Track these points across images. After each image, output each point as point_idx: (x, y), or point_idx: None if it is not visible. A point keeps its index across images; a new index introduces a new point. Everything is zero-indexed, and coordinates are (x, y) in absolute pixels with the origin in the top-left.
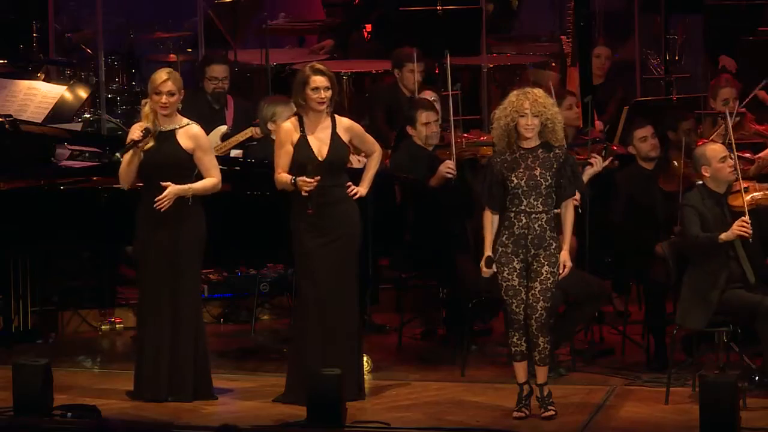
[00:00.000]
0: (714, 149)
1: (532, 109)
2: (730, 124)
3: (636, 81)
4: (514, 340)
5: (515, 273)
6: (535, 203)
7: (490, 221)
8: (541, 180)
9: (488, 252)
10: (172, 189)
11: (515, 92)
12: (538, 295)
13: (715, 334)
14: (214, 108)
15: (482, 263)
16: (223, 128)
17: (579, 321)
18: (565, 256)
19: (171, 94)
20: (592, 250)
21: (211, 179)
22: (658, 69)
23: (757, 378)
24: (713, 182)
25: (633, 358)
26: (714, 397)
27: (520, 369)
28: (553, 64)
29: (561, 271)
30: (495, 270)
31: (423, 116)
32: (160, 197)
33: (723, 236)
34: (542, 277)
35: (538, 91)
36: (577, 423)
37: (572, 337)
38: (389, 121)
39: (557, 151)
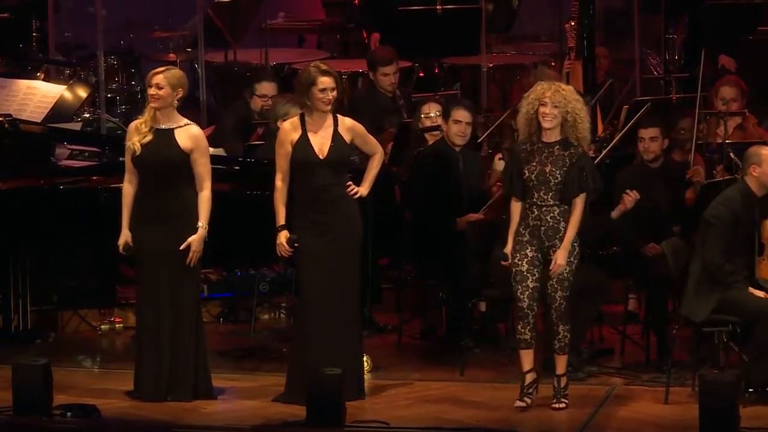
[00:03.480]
0: None
1: (553, 99)
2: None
3: (636, 81)
4: (519, 328)
5: (525, 259)
6: (546, 197)
7: (516, 210)
8: (550, 177)
9: (508, 246)
10: (194, 244)
11: (541, 83)
12: (555, 285)
13: (714, 333)
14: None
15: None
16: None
17: (588, 315)
18: (558, 254)
19: (159, 87)
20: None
21: (204, 196)
22: (657, 69)
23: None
24: (756, 184)
25: (633, 357)
26: (713, 397)
27: (524, 357)
28: (553, 64)
29: (551, 267)
30: (516, 262)
31: (455, 113)
32: (189, 257)
33: (757, 294)
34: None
35: (565, 85)
36: (576, 422)
37: (585, 334)
38: (375, 126)
39: (572, 150)
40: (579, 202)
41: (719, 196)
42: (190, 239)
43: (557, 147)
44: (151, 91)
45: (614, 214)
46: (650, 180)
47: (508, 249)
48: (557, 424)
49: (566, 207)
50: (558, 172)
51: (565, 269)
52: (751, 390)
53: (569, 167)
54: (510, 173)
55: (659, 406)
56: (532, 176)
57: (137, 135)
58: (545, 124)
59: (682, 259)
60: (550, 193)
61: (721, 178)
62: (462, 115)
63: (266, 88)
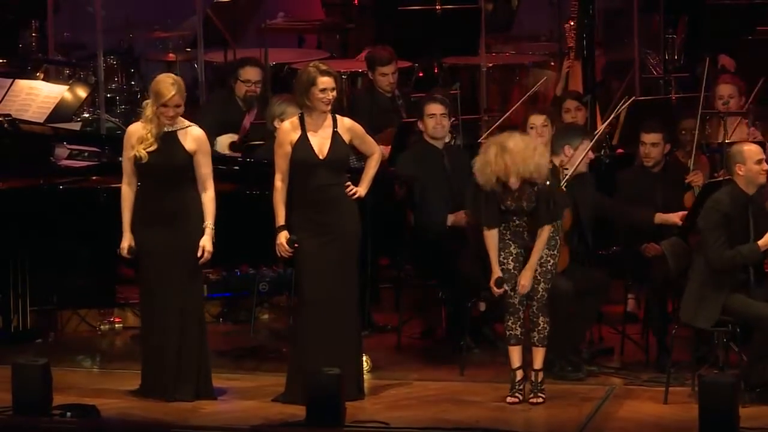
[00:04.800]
0: (751, 149)
1: (519, 175)
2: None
3: (635, 80)
4: (509, 324)
5: (511, 257)
6: (524, 217)
7: (492, 239)
8: (527, 209)
9: (497, 273)
10: (208, 245)
11: (492, 150)
12: (538, 278)
13: (714, 333)
14: (240, 111)
15: (492, 283)
16: (233, 137)
17: (588, 316)
18: (524, 275)
19: (177, 106)
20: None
21: (209, 197)
22: (656, 68)
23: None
24: (744, 182)
25: (632, 357)
26: (713, 397)
27: (515, 353)
28: (552, 64)
29: (518, 287)
30: (506, 288)
31: (428, 108)
32: (204, 258)
33: (762, 243)
34: (542, 260)
35: (515, 147)
36: (576, 422)
37: (585, 334)
38: (374, 126)
39: (539, 186)
40: (544, 232)
41: (708, 200)
42: (202, 242)
43: (525, 185)
44: (170, 112)
45: (658, 219)
46: (650, 184)
47: (496, 276)
48: (557, 424)
49: None
50: (532, 205)
51: (549, 262)
52: (750, 390)
53: (538, 199)
54: (483, 205)
55: (659, 406)
56: (510, 208)
57: (141, 143)
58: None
59: (682, 259)
60: (528, 216)
61: (722, 178)
62: (435, 108)
63: (250, 73)
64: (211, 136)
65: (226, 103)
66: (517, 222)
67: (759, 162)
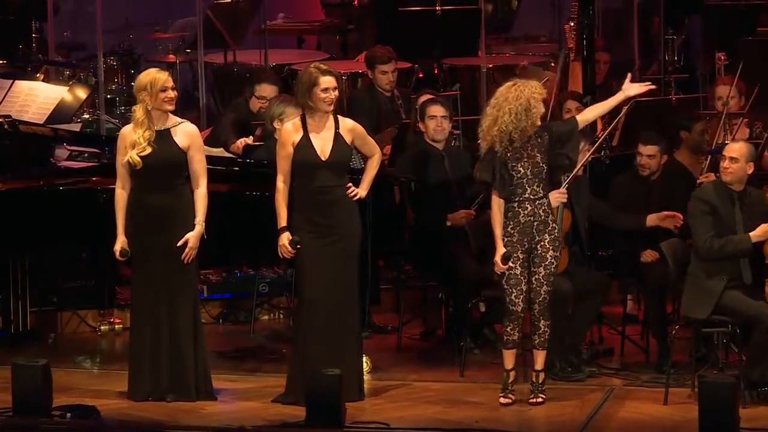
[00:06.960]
0: (729, 146)
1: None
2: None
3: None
4: (508, 329)
5: (518, 262)
6: (538, 189)
7: (499, 209)
8: (543, 165)
9: (501, 249)
10: (192, 241)
11: (505, 90)
12: (542, 280)
13: (714, 333)
14: (253, 118)
15: (498, 258)
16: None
17: (588, 317)
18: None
19: (174, 88)
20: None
21: (201, 193)
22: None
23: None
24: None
25: (632, 358)
26: (713, 397)
27: (509, 356)
28: (552, 64)
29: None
30: (511, 265)
31: (429, 110)
32: (186, 253)
33: (753, 235)
34: (546, 262)
35: (517, 80)
36: (576, 423)
37: (585, 334)
38: (373, 126)
39: (545, 131)
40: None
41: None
42: (187, 236)
43: (536, 135)
44: (170, 94)
45: (650, 221)
46: (645, 190)
47: (502, 251)
48: (557, 425)
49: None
50: (545, 156)
51: (553, 264)
52: (750, 390)
53: (549, 146)
54: (499, 172)
55: (659, 407)
56: (527, 171)
57: (134, 148)
58: (539, 122)
59: (681, 259)
60: (542, 185)
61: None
62: (436, 109)
63: (266, 90)
64: (227, 135)
65: (241, 115)
66: (531, 197)
67: (723, 159)
